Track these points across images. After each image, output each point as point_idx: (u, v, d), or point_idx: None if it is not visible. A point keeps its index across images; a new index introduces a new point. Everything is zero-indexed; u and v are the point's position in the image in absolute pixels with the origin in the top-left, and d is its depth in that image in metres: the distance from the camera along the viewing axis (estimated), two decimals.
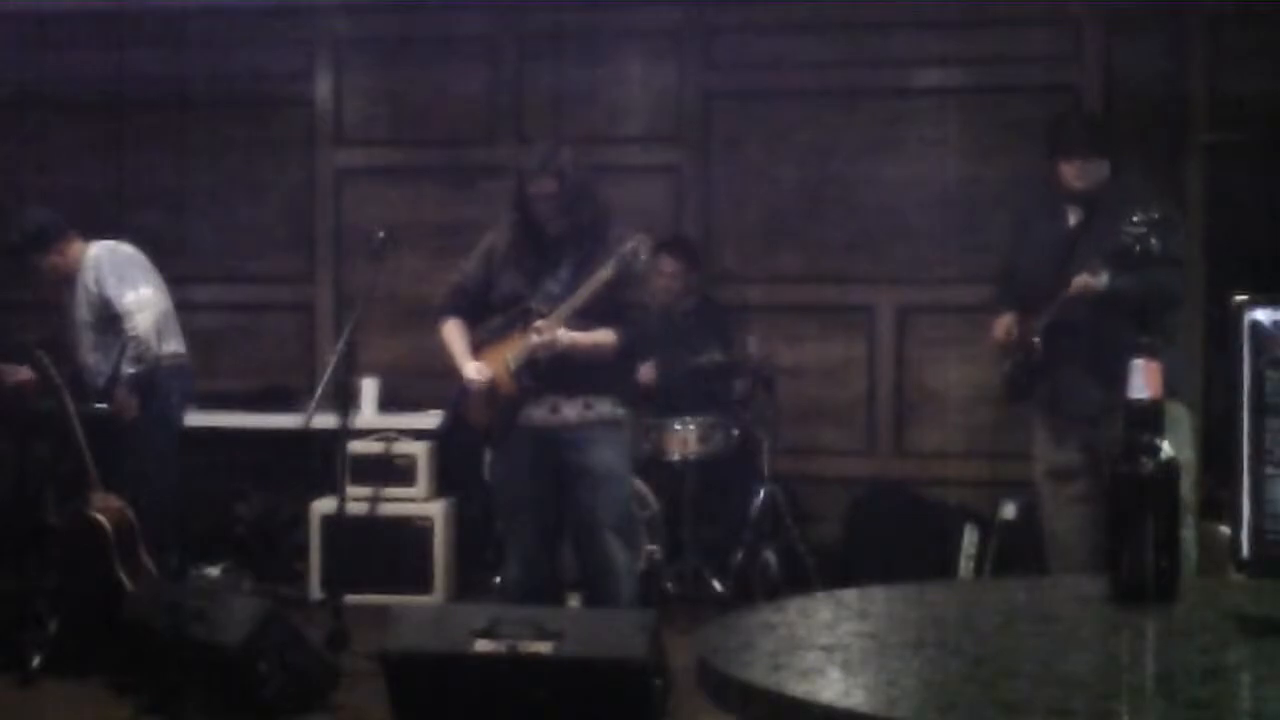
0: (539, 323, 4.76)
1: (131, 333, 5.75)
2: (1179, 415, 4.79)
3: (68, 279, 5.94)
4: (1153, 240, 4.71)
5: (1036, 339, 5.13)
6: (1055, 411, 5.20)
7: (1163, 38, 6.85)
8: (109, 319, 5.83)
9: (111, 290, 5.81)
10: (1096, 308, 4.92)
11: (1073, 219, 5.14)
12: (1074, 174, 5.10)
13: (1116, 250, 4.76)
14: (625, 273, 4.75)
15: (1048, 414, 5.24)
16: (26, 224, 5.92)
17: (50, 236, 5.89)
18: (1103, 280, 4.83)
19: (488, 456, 5.26)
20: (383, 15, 7.48)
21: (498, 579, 5.70)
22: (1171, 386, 4.65)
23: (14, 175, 7.50)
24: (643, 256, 4.79)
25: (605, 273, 4.73)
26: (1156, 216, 4.72)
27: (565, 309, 4.76)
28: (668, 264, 6.63)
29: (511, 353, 4.84)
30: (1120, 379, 5.25)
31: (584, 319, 4.79)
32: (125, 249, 5.98)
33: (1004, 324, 5.26)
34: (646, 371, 6.33)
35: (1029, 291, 5.19)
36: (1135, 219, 4.71)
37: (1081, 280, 4.85)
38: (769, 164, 7.18)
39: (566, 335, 4.76)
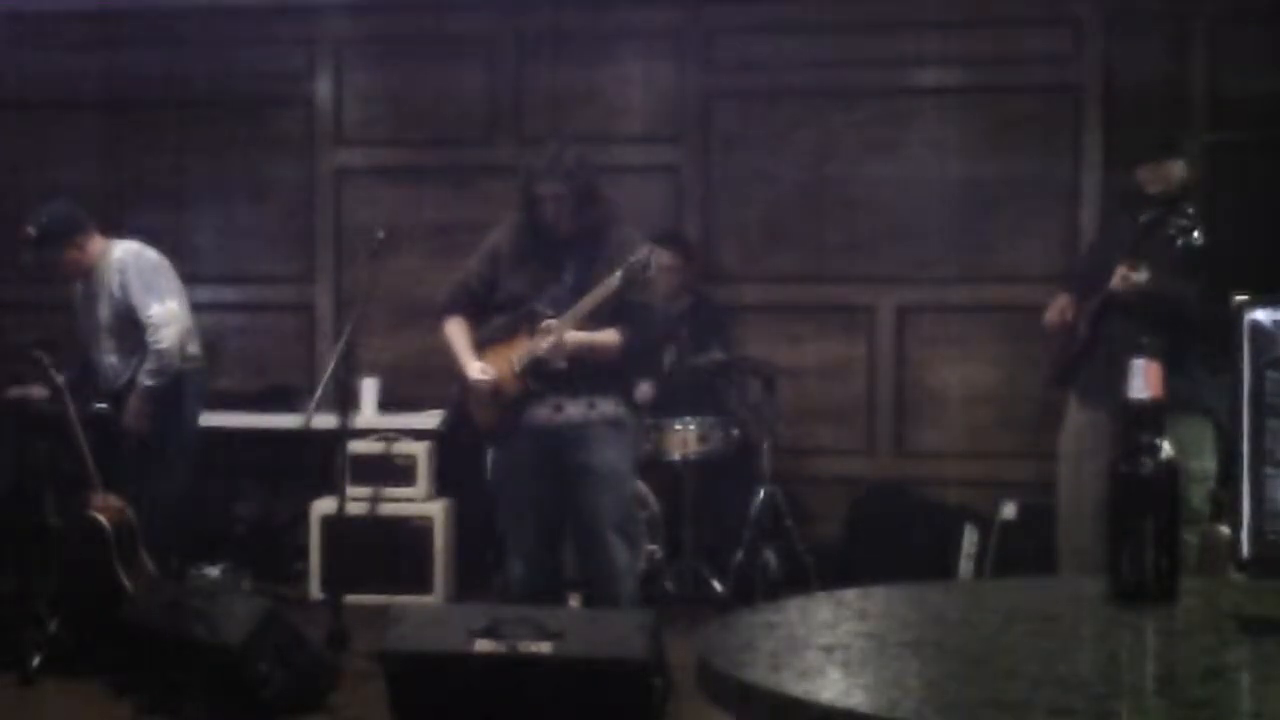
0: (547, 323, 4.75)
1: (156, 346, 5.72)
2: (1201, 430, 4.80)
3: (86, 274, 5.91)
4: (1195, 235, 4.73)
5: (1082, 325, 5.14)
6: (1086, 399, 5.20)
7: (1163, 38, 6.85)
8: (132, 325, 5.80)
9: (137, 299, 5.78)
10: (1137, 304, 4.89)
11: (1146, 215, 5.11)
12: (1146, 177, 5.12)
13: (1160, 241, 4.77)
14: (632, 282, 4.73)
15: (1080, 401, 5.24)
16: (46, 217, 5.86)
17: (70, 230, 5.85)
18: (1142, 275, 4.83)
19: (490, 456, 5.25)
20: (383, 15, 7.48)
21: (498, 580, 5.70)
22: (1195, 402, 4.68)
23: (14, 175, 7.50)
24: (651, 267, 4.77)
25: (613, 281, 4.71)
26: (1194, 211, 4.77)
27: (572, 315, 4.75)
28: (664, 257, 6.63)
29: (516, 354, 4.84)
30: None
31: (590, 320, 4.78)
32: (150, 254, 5.93)
33: (1058, 304, 5.27)
34: (645, 391, 6.35)
35: (1091, 284, 5.17)
36: (1186, 210, 4.75)
37: (1121, 271, 4.84)
38: (769, 164, 7.18)
39: (573, 338, 4.75)
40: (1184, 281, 4.85)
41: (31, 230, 5.83)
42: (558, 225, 4.83)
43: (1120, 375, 5.36)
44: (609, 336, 4.81)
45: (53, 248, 5.82)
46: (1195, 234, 4.73)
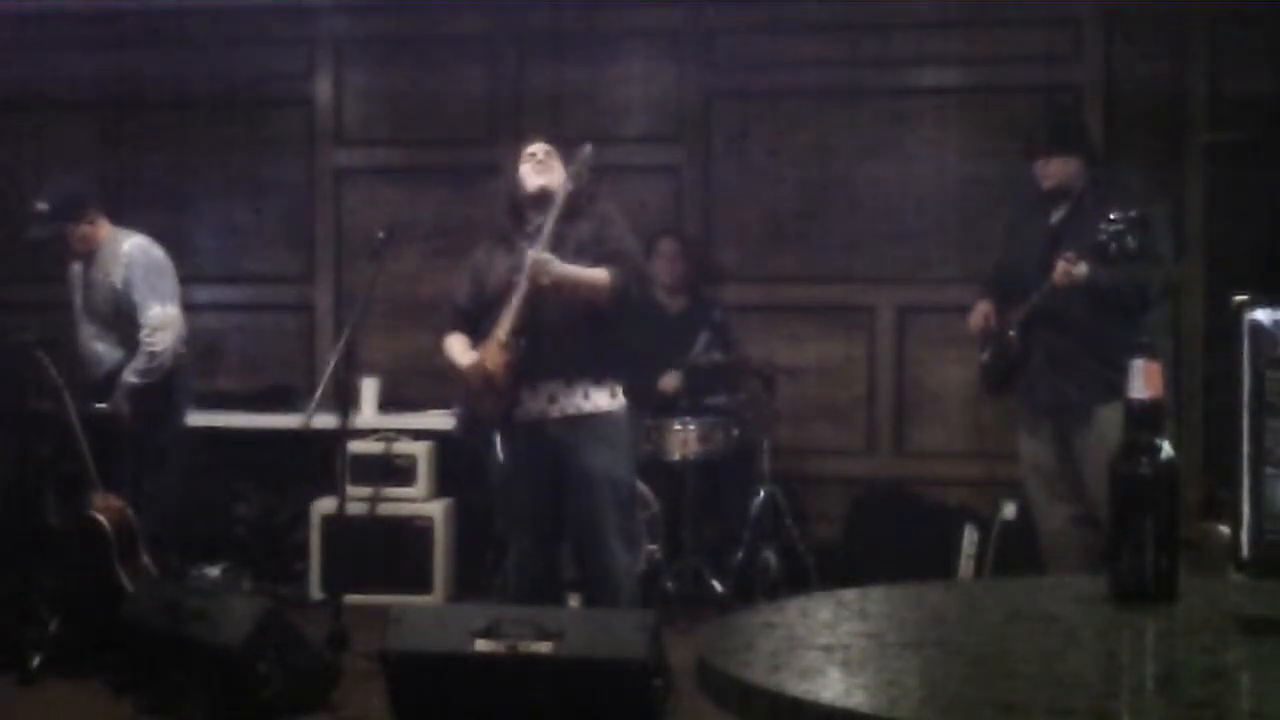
0: (528, 256, 4.70)
1: (149, 348, 5.72)
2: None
3: (90, 254, 5.89)
4: (1129, 239, 4.75)
5: (1013, 332, 5.20)
6: (1029, 405, 5.29)
7: (1163, 38, 6.85)
8: (126, 319, 5.80)
9: (140, 297, 5.76)
10: (1073, 302, 4.97)
11: (1055, 216, 5.19)
12: (1039, 173, 5.18)
13: (1094, 247, 4.81)
14: (582, 178, 4.79)
15: (1024, 408, 5.33)
16: (57, 192, 5.85)
17: (83, 205, 5.83)
18: (1081, 269, 4.87)
19: (491, 457, 5.15)
20: (383, 15, 7.48)
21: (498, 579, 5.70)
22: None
23: (14, 175, 7.50)
24: (591, 160, 4.84)
25: (567, 186, 4.77)
26: (1134, 215, 4.76)
27: (543, 237, 4.72)
28: (667, 245, 6.70)
29: (500, 329, 4.81)
30: (1089, 374, 5.34)
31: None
32: (157, 253, 5.92)
33: (980, 311, 5.36)
34: (671, 381, 6.37)
35: (1013, 287, 5.25)
36: (1113, 216, 4.76)
37: (1061, 268, 4.89)
38: (769, 164, 7.18)
39: (559, 267, 4.69)
40: (1116, 270, 4.90)
41: (43, 205, 5.80)
42: (548, 183, 4.85)
43: (1052, 378, 5.50)
44: (598, 273, 4.73)
45: (64, 221, 5.78)
46: (1129, 240, 4.74)
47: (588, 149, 4.86)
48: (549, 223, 4.74)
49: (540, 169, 4.91)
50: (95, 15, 7.55)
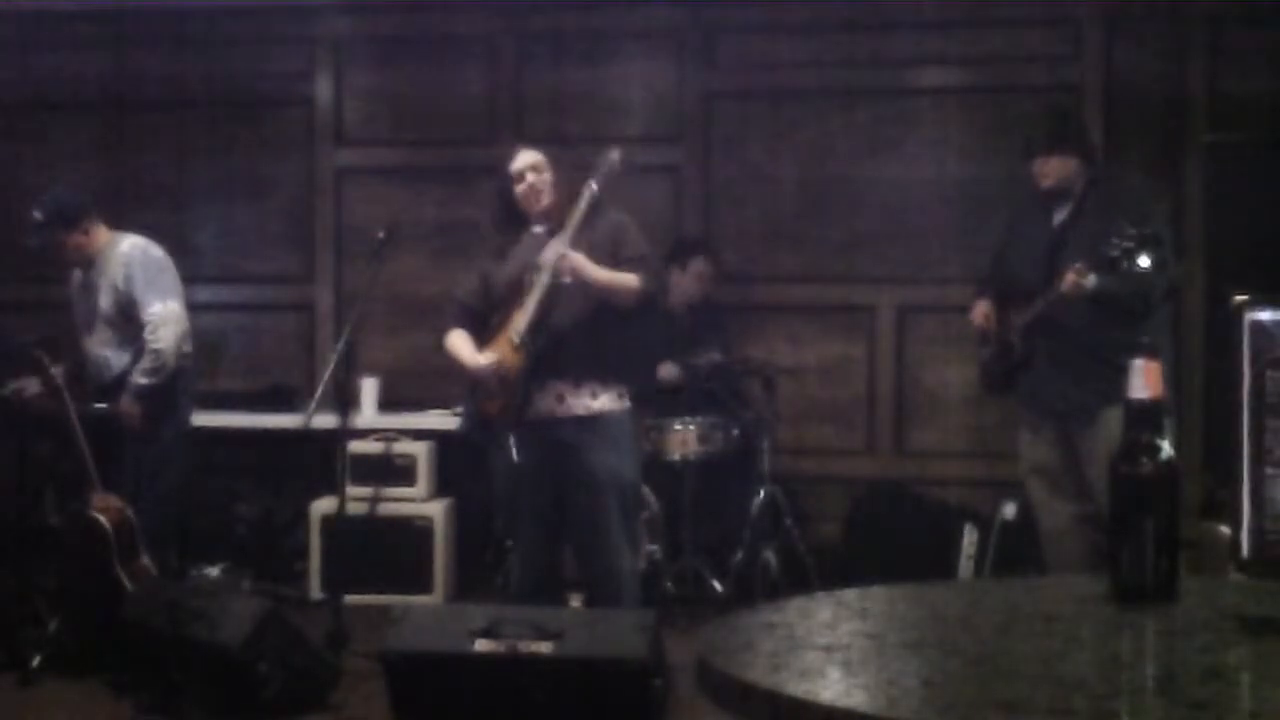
0: (546, 249, 4.70)
1: (153, 345, 5.71)
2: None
3: (88, 261, 5.90)
4: (1140, 256, 4.73)
5: (1015, 336, 5.21)
6: (1031, 406, 5.29)
7: (1163, 38, 6.85)
8: (130, 319, 5.80)
9: (140, 294, 5.77)
10: (1077, 307, 4.97)
11: (1057, 219, 5.19)
12: (1037, 172, 5.17)
13: (1104, 261, 4.80)
14: (608, 184, 4.73)
15: (1026, 410, 5.34)
16: (52, 202, 5.87)
17: (77, 215, 5.84)
18: (1091, 281, 4.87)
19: (497, 456, 5.12)
20: (383, 15, 7.48)
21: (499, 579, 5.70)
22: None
23: (14, 175, 7.50)
24: (619, 167, 4.77)
25: (592, 187, 4.72)
26: (1148, 232, 4.75)
27: (567, 234, 4.70)
28: (701, 265, 6.70)
29: (513, 329, 4.81)
30: (1092, 376, 5.35)
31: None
32: (156, 251, 5.93)
33: (980, 309, 5.37)
34: (671, 370, 6.37)
35: (1014, 288, 5.25)
36: (1128, 232, 4.73)
37: (1070, 280, 4.88)
38: (769, 164, 7.18)
39: (594, 270, 4.66)
40: (1120, 277, 4.90)
41: (38, 214, 5.83)
42: (539, 197, 4.84)
43: (1055, 380, 5.52)
44: (628, 277, 4.72)
45: (58, 231, 5.81)
46: (1139, 258, 4.73)
47: (616, 156, 4.78)
48: (573, 222, 4.72)
49: (535, 192, 4.86)
50: (95, 15, 7.55)
